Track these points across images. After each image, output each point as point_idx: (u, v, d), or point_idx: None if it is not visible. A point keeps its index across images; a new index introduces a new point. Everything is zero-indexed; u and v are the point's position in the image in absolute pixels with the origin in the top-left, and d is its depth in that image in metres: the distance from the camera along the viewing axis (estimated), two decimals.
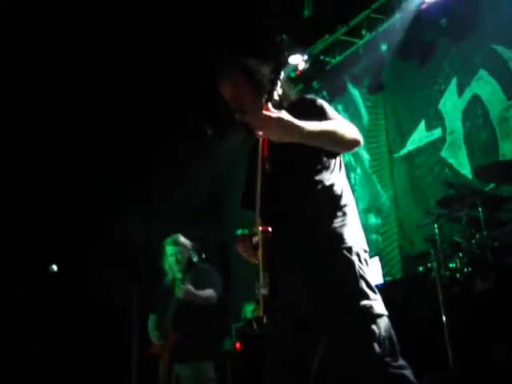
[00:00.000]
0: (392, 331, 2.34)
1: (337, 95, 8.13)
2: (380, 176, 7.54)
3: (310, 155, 2.49)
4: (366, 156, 7.71)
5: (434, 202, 5.62)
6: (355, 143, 2.48)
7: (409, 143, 7.12)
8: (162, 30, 6.25)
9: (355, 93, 7.98)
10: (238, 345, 6.47)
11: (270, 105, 2.33)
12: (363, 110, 7.89)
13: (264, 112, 2.29)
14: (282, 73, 2.51)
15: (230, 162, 7.76)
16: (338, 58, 7.83)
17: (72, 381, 6.73)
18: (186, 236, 5.10)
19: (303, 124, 2.29)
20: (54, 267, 5.03)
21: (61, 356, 6.75)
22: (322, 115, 2.52)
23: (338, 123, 2.46)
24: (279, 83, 2.47)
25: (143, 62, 6.62)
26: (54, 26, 6.29)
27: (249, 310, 7.31)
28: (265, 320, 2.39)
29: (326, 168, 2.56)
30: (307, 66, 7.77)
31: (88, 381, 6.79)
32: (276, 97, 2.45)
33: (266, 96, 2.44)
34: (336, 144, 2.47)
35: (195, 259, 4.69)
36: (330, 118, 2.51)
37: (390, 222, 7.23)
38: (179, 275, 4.94)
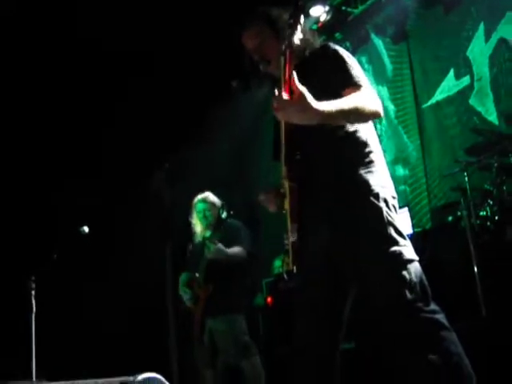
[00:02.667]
0: (423, 276, 2.33)
1: (360, 46, 7.99)
2: (406, 127, 7.44)
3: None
4: (391, 107, 7.60)
5: (461, 153, 5.53)
6: (374, 116, 2.43)
7: (437, 93, 6.99)
8: None
9: (379, 43, 7.83)
10: (269, 299, 6.53)
11: (295, 76, 2.27)
12: (387, 60, 7.75)
13: (283, 96, 2.24)
14: (302, 17, 2.46)
15: (256, 118, 7.71)
16: (361, 8, 7.67)
17: (107, 340, 6.88)
18: (214, 194, 5.13)
19: (321, 106, 2.23)
20: (86, 228, 5.10)
21: (94, 316, 6.88)
22: (345, 71, 2.47)
23: (360, 95, 2.38)
24: (299, 28, 2.43)
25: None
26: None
27: (278, 265, 7.35)
28: (295, 270, 2.41)
29: None
30: (329, 17, 7.62)
31: (124, 341, 6.94)
32: (297, 41, 2.42)
33: (286, 42, 2.42)
34: (355, 120, 2.44)
35: (224, 215, 4.69)
36: (352, 78, 2.45)
37: (418, 173, 7.17)
38: (207, 233, 4.96)
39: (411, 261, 2.32)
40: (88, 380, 2.46)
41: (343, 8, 7.72)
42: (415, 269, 2.32)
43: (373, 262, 2.32)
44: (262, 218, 7.56)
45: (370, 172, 2.45)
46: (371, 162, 2.48)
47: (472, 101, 6.55)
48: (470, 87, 6.59)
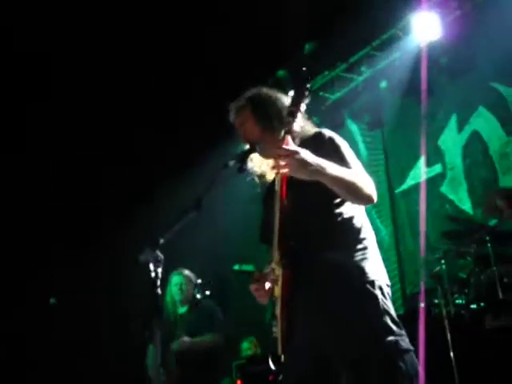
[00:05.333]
0: (418, 367, 2.28)
1: (335, 131, 8.11)
2: (379, 212, 7.52)
3: (330, 189, 2.43)
4: None
5: (433, 239, 5.58)
6: (369, 199, 2.42)
7: (408, 179, 7.16)
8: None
9: (354, 128, 8.02)
10: (238, 383, 6.34)
11: (289, 138, 2.30)
12: (362, 146, 7.91)
13: (285, 146, 2.26)
14: (303, 104, 2.48)
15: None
16: (338, 94, 7.90)
17: None
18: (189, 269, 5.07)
19: (326, 165, 2.26)
20: (54, 300, 4.99)
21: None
22: (340, 159, 2.46)
23: (359, 175, 2.40)
24: (300, 115, 2.45)
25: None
26: None
27: (246, 347, 7.18)
28: (283, 359, 2.32)
29: (346, 201, 2.51)
30: (307, 101, 7.79)
31: None
32: (297, 128, 2.44)
33: (285, 128, 2.43)
34: (352, 195, 2.41)
35: (199, 296, 4.58)
36: (348, 164, 2.45)
37: (391, 257, 7.19)
38: (181, 309, 4.86)
39: (407, 351, 2.29)
40: None
41: (320, 93, 7.92)
42: (411, 360, 2.28)
43: (369, 351, 2.26)
44: (230, 296, 7.46)
45: (364, 259, 2.43)
46: (365, 248, 2.47)
47: (444, 189, 6.69)
48: (442, 175, 6.75)
